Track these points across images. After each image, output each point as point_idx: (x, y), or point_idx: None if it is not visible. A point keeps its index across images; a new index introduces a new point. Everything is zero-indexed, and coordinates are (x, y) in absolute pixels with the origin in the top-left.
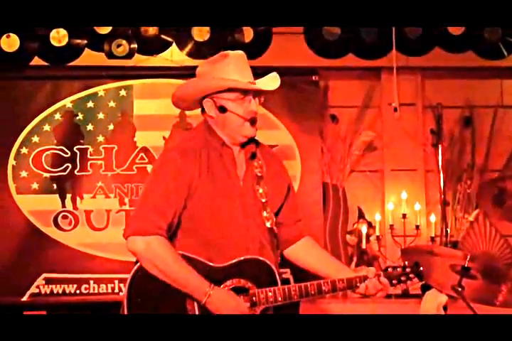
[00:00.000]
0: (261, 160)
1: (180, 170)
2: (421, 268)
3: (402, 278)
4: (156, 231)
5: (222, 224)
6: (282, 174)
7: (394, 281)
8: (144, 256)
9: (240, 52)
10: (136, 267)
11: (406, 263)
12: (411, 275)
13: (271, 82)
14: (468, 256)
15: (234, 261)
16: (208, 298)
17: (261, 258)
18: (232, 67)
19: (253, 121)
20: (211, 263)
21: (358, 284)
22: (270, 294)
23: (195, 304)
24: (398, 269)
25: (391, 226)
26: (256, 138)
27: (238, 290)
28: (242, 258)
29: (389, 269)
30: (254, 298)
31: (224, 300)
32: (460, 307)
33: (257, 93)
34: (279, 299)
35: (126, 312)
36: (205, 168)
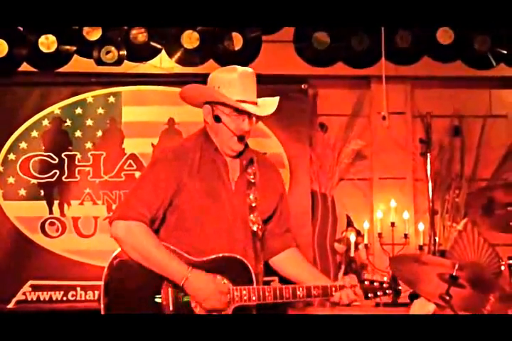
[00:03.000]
0: (255, 167)
1: (169, 167)
2: (399, 287)
3: (379, 293)
4: (138, 218)
5: (206, 224)
6: (276, 183)
7: (370, 294)
8: (124, 240)
9: (250, 69)
10: (114, 254)
11: (385, 279)
12: (388, 291)
13: (268, 106)
14: (457, 265)
15: (213, 256)
16: (186, 281)
17: (239, 256)
18: (237, 83)
19: (241, 138)
20: (190, 257)
21: (334, 293)
22: (244, 292)
23: (170, 295)
24: (375, 284)
25: (379, 234)
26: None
27: None
28: (220, 255)
29: (366, 282)
30: (228, 295)
31: (202, 283)
32: None
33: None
34: (253, 298)
35: (102, 301)
36: (196, 168)
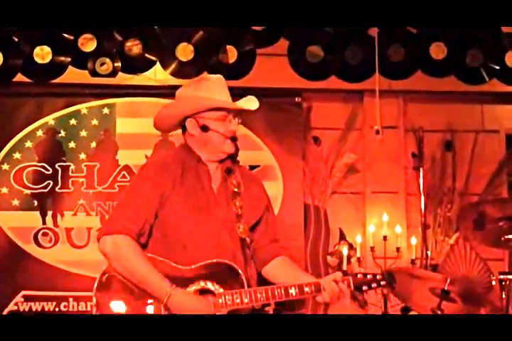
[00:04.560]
0: (239, 179)
1: (152, 182)
2: (391, 275)
3: (373, 285)
4: (124, 232)
5: (193, 234)
6: (261, 194)
7: (364, 287)
8: (111, 255)
9: (219, 75)
10: (104, 269)
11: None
12: (382, 283)
13: (252, 102)
14: (448, 280)
15: (202, 263)
16: (169, 298)
17: (228, 261)
18: (215, 89)
19: (233, 139)
20: (179, 266)
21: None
22: (236, 296)
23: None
24: (369, 276)
25: (372, 248)
26: (238, 159)
27: (205, 292)
28: (209, 261)
29: (359, 276)
30: (220, 300)
31: (185, 301)
32: None
33: (237, 114)
34: (246, 301)
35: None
36: (179, 181)
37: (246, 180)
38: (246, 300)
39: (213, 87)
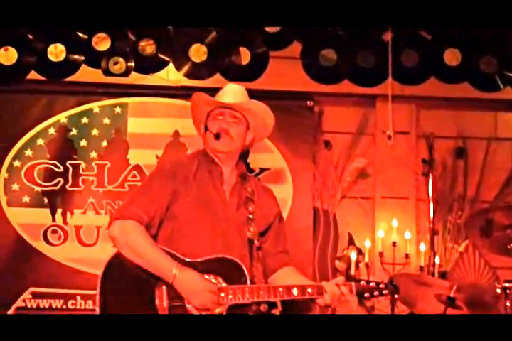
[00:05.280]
0: (254, 187)
1: (167, 177)
2: (394, 285)
3: (375, 293)
4: (134, 218)
5: (201, 231)
6: (272, 205)
7: (366, 294)
8: (119, 238)
9: (240, 86)
10: (112, 254)
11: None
12: (384, 292)
13: (227, 96)
14: (454, 287)
15: (208, 257)
16: (175, 279)
17: (233, 258)
18: (223, 91)
19: (217, 136)
20: (186, 258)
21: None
22: (238, 291)
23: (165, 295)
24: (372, 283)
25: (380, 253)
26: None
27: None
28: (214, 256)
29: (362, 282)
30: (222, 294)
31: (191, 281)
32: None
33: (235, 114)
34: (247, 296)
35: (98, 298)
36: (192, 178)
37: (259, 190)
38: (248, 296)
39: (223, 90)
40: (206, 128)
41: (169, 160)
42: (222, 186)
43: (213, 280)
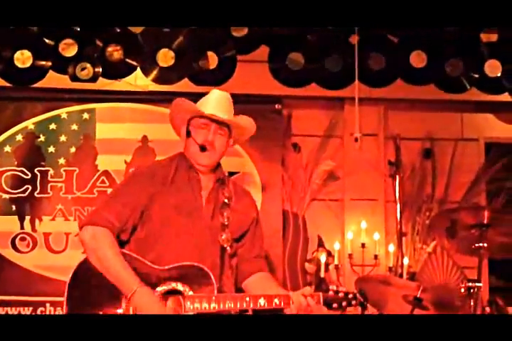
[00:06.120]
0: (231, 193)
1: (142, 182)
2: (363, 295)
3: (343, 303)
4: (105, 225)
5: (174, 237)
6: (249, 208)
7: (334, 305)
8: (88, 245)
9: (226, 92)
10: (80, 260)
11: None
12: (353, 302)
13: (221, 113)
14: (421, 288)
15: (175, 264)
16: (133, 295)
17: (201, 265)
18: (209, 100)
19: (202, 148)
20: (154, 265)
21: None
22: (204, 300)
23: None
24: (340, 294)
25: (350, 255)
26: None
27: (175, 293)
28: (182, 263)
29: (330, 292)
30: (188, 303)
31: (145, 301)
32: None
33: (220, 126)
34: (213, 306)
35: (65, 304)
36: (169, 183)
37: (238, 194)
38: (213, 305)
39: (209, 98)
40: (188, 133)
41: (146, 164)
42: (200, 192)
43: (180, 288)
